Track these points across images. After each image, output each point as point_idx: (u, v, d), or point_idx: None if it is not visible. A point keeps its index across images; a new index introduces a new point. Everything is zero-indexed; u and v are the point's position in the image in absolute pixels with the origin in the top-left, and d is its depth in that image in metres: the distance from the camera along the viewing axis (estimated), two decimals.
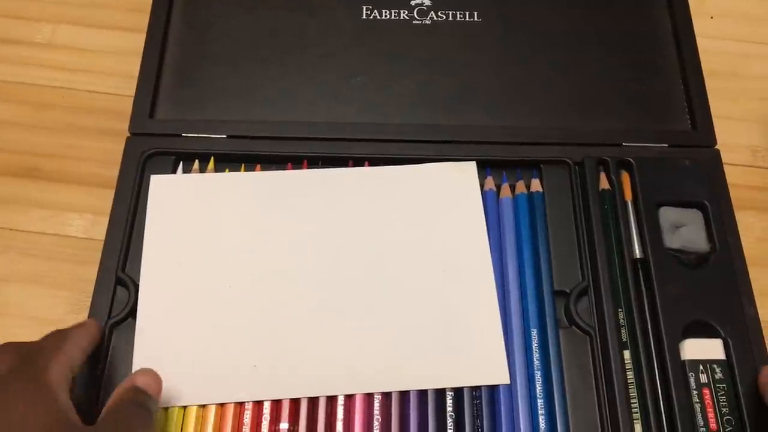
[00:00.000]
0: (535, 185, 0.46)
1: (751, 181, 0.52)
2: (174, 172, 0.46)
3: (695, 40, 0.51)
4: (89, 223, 0.48)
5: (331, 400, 0.39)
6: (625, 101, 0.50)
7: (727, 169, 0.48)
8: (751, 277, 0.43)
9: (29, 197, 0.49)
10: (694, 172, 0.46)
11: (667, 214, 0.45)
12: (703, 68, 0.51)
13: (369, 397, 0.40)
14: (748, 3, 0.59)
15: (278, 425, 0.39)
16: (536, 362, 0.40)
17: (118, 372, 0.40)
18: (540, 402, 0.39)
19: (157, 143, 0.47)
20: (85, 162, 0.50)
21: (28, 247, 0.47)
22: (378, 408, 0.39)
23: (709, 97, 0.50)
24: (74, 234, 0.48)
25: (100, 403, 0.39)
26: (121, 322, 0.41)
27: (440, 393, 0.40)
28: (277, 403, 0.39)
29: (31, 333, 0.40)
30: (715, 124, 0.49)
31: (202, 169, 0.46)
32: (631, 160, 0.46)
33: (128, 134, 0.47)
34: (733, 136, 0.53)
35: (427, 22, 0.53)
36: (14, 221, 0.48)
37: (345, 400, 0.39)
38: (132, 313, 0.41)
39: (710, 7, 0.58)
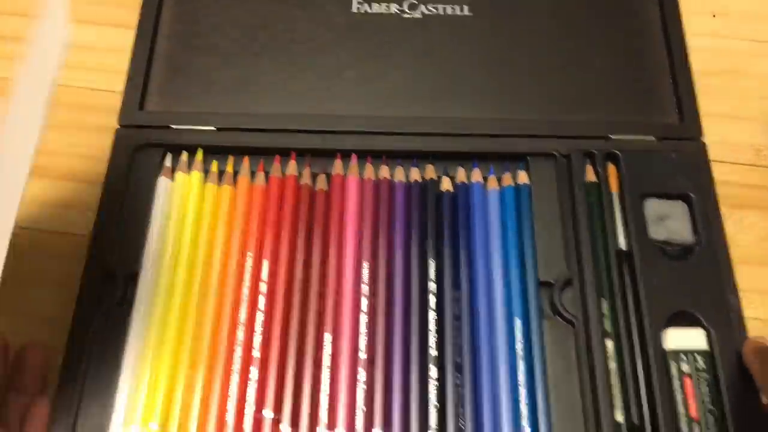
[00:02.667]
0: (522, 177, 0.46)
1: (753, 180, 0.51)
2: (162, 164, 0.46)
3: (683, 33, 0.51)
4: (92, 221, 0.48)
5: (315, 387, 0.40)
6: (612, 94, 0.50)
7: (729, 167, 0.48)
8: (752, 277, 0.43)
9: (30, 194, 0.49)
10: (680, 164, 0.46)
11: (653, 206, 0.45)
12: (704, 67, 0.51)
13: (353, 384, 0.40)
14: (750, 2, 0.58)
15: (262, 413, 0.39)
16: (519, 351, 0.41)
17: (104, 363, 0.40)
18: (522, 390, 0.40)
19: (147, 135, 0.47)
20: (88, 159, 0.50)
21: (31, 244, 0.47)
22: (361, 396, 0.40)
23: (711, 95, 0.50)
24: (77, 232, 0.47)
25: (85, 390, 0.40)
26: (108, 312, 0.42)
27: (424, 381, 0.40)
28: (261, 390, 0.40)
29: (34, 331, 0.41)
30: (717, 123, 0.49)
31: (190, 162, 0.47)
32: (617, 152, 0.46)
33: (117, 126, 0.47)
34: (735, 135, 0.52)
35: (418, 15, 0.53)
36: (16, 218, 0.48)
37: (329, 388, 0.40)
38: (120, 303, 0.42)
39: (712, 5, 0.57)
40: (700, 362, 0.40)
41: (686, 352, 0.41)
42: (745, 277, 0.43)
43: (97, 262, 0.43)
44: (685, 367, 0.40)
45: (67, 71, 0.54)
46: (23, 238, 0.47)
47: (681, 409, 0.39)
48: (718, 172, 0.49)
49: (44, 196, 0.48)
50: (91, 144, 0.49)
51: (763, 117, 0.53)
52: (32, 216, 0.48)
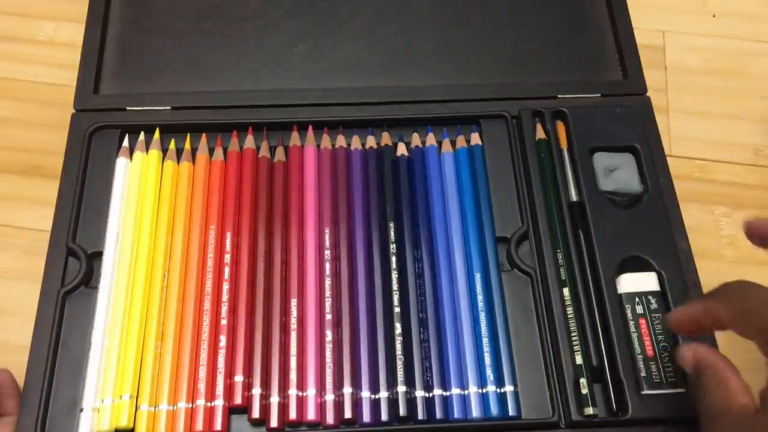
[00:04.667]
0: (475, 139, 0.48)
1: (753, 180, 0.52)
2: (120, 145, 0.47)
3: None
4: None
5: (284, 351, 0.41)
6: (559, 55, 0.52)
7: (729, 167, 0.49)
8: (753, 277, 0.43)
9: (31, 195, 0.49)
10: (625, 117, 0.48)
11: (601, 159, 0.47)
12: (705, 67, 0.53)
13: (321, 345, 0.41)
14: (750, 2, 0.59)
15: (233, 378, 0.40)
16: (480, 304, 0.42)
17: (73, 339, 0.41)
18: (485, 340, 0.41)
19: (102, 118, 0.47)
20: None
21: (31, 244, 0.47)
22: (330, 356, 0.41)
23: (712, 96, 0.52)
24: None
25: (57, 370, 0.40)
26: (73, 291, 0.42)
27: (389, 338, 0.41)
28: (231, 356, 0.40)
29: (32, 331, 0.40)
30: (717, 123, 0.51)
31: (148, 141, 0.47)
32: (564, 110, 0.48)
33: (73, 111, 0.48)
34: (735, 135, 0.53)
35: None
36: (16, 219, 0.48)
37: (297, 351, 0.41)
38: (84, 281, 0.42)
39: (712, 6, 0.58)
40: (654, 303, 0.42)
41: (640, 295, 0.42)
42: (745, 277, 0.43)
43: (60, 242, 0.43)
44: (639, 309, 0.42)
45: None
46: (28, 238, 0.47)
47: (637, 348, 0.41)
48: (719, 171, 0.51)
49: (46, 195, 0.47)
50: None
51: (763, 117, 0.54)
52: (36, 213, 0.48)
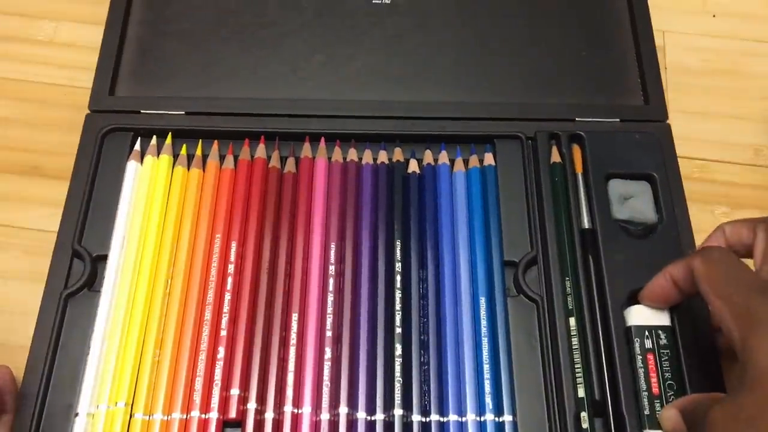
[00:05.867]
0: (488, 159, 0.47)
1: (753, 180, 0.51)
2: (132, 148, 0.47)
3: (649, 16, 0.52)
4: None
5: (282, 366, 0.40)
6: (579, 77, 0.51)
7: (729, 167, 0.49)
8: None
9: (31, 195, 0.49)
10: (644, 145, 0.47)
11: (617, 186, 0.46)
12: (705, 67, 0.53)
13: (319, 362, 0.40)
14: (750, 2, 0.58)
15: (229, 391, 0.39)
16: (483, 329, 0.41)
17: (73, 342, 0.41)
18: (486, 367, 0.40)
19: (117, 120, 0.47)
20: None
21: (30, 244, 0.47)
22: (327, 374, 0.40)
23: (712, 96, 0.51)
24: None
25: (54, 371, 0.40)
26: (76, 293, 0.42)
27: (389, 359, 0.41)
28: (228, 368, 0.40)
29: (32, 330, 0.41)
30: (717, 123, 0.51)
31: (160, 146, 0.47)
32: (582, 133, 0.47)
33: (88, 111, 0.48)
34: (735, 135, 0.52)
35: (387, 1, 0.53)
36: (16, 219, 0.48)
37: (295, 366, 0.40)
38: (88, 284, 0.42)
39: (712, 6, 0.58)
40: (663, 339, 0.41)
41: (650, 329, 0.41)
42: None
43: (66, 244, 0.43)
44: (648, 344, 0.41)
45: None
46: (28, 238, 0.48)
47: (643, 385, 0.40)
48: (719, 171, 0.51)
49: (46, 194, 0.48)
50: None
51: (763, 117, 0.53)
52: (35, 213, 0.48)
